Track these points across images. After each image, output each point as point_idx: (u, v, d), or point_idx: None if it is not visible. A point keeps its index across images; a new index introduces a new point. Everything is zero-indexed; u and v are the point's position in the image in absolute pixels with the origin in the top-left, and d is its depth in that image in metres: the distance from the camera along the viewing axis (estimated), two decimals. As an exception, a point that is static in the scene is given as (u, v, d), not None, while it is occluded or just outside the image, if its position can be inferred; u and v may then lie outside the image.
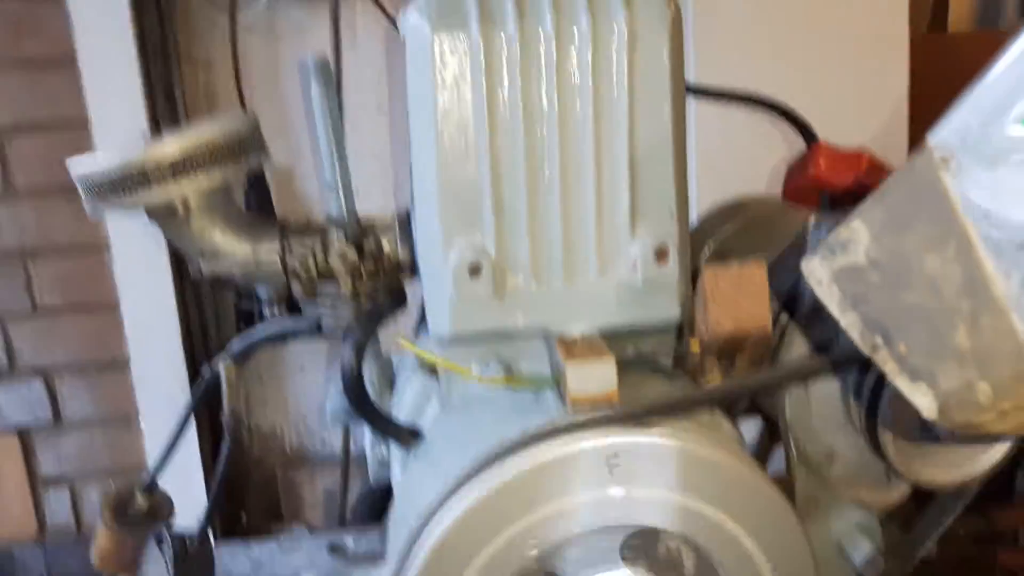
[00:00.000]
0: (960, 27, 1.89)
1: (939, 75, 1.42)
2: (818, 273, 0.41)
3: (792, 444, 0.68)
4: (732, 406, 0.68)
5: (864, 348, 0.39)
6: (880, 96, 1.57)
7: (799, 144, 1.20)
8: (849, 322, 0.40)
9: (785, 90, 1.29)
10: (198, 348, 1.69)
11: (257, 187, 1.51)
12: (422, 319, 1.14)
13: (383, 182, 1.72)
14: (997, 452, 0.64)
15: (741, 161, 1.42)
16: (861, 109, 1.49)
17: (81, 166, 0.66)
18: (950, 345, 0.35)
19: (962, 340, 0.35)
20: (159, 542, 0.98)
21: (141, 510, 1.04)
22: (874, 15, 1.55)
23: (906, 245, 0.36)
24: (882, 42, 1.56)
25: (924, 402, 0.37)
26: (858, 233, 0.39)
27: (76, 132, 1.55)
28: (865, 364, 0.60)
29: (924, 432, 0.64)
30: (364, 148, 1.70)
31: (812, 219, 0.64)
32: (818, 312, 0.66)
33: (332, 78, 0.79)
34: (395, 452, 0.77)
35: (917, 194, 0.35)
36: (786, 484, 0.68)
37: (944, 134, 0.35)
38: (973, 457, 0.65)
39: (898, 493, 0.71)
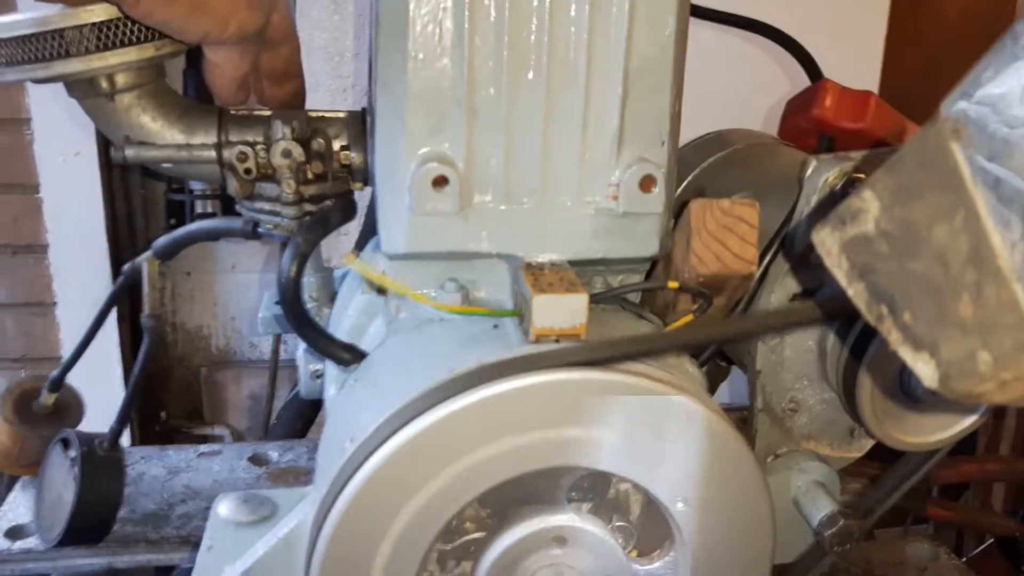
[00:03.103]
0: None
1: (915, 24, 1.39)
2: (828, 244, 0.40)
3: (759, 392, 0.65)
4: (702, 349, 0.64)
5: (870, 318, 0.39)
6: (857, 34, 1.53)
7: (798, 80, 1.14)
8: (856, 292, 0.39)
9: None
10: (123, 238, 1.60)
11: (196, 69, 1.41)
12: (367, 231, 1.08)
13: (332, 81, 1.63)
14: (970, 419, 0.63)
15: (735, 93, 1.36)
16: (834, 43, 1.46)
17: None
18: (954, 315, 0.35)
19: (965, 310, 0.35)
20: (65, 443, 0.92)
21: (47, 407, 0.98)
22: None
23: (915, 215, 0.36)
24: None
25: (926, 371, 0.36)
26: (869, 203, 0.38)
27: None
28: (851, 317, 0.57)
29: (903, 393, 0.62)
30: (313, 41, 1.59)
31: (812, 162, 0.59)
32: (806, 258, 0.63)
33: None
34: (330, 369, 0.71)
35: (928, 163, 0.35)
36: (745, 431, 0.66)
37: (957, 103, 0.34)
38: (946, 423, 0.63)
39: (859, 450, 0.69)
